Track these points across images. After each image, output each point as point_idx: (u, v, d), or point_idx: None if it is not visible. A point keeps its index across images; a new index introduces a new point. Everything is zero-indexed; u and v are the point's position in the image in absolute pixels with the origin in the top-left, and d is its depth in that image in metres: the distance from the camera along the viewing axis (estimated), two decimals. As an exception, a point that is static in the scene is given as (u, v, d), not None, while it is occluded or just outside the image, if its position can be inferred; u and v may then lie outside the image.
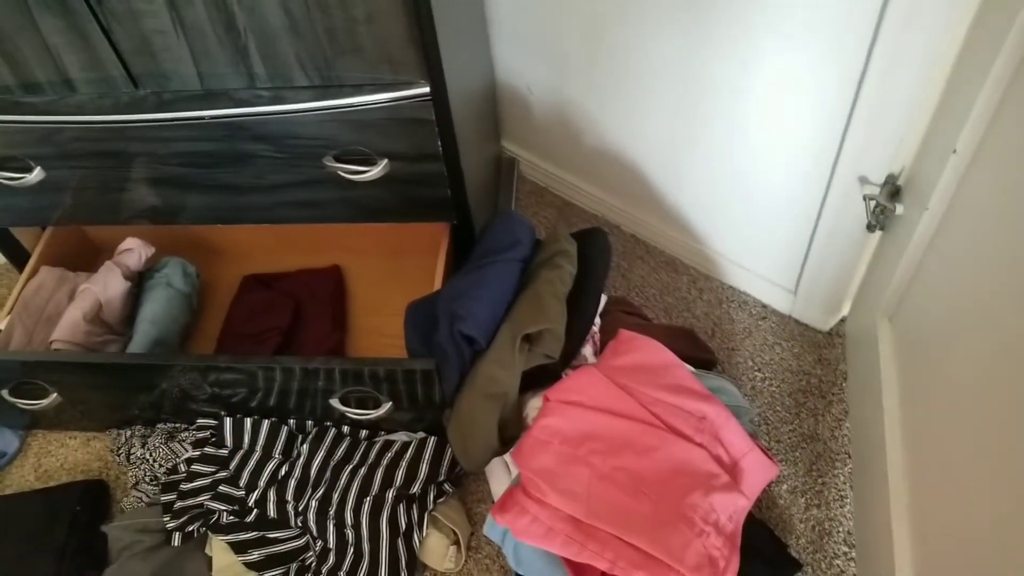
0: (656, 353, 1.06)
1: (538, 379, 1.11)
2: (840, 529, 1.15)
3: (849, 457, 1.22)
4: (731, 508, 0.97)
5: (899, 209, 1.07)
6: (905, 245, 1.05)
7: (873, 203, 1.11)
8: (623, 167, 1.45)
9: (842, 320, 1.38)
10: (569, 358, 1.12)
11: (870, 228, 1.15)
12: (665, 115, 1.28)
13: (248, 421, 1.24)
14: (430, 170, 1.09)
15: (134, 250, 1.36)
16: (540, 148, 1.61)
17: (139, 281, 1.37)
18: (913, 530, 0.95)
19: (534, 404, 1.10)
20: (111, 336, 1.31)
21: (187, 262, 1.40)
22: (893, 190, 1.09)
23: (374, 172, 1.08)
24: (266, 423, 1.24)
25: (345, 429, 1.25)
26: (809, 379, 1.32)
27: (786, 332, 1.39)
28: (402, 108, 1.00)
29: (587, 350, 1.14)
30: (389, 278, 1.46)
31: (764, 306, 1.43)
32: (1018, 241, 0.77)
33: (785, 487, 1.20)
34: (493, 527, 1.01)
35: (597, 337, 1.17)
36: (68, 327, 1.24)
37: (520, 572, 1.02)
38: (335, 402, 1.16)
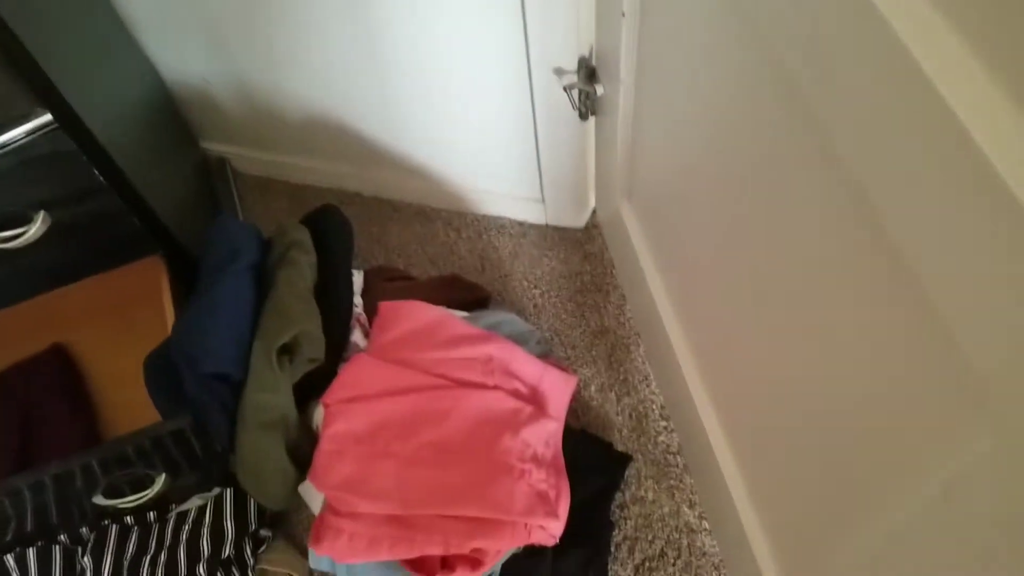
0: (422, 314, 1.00)
1: (318, 384, 1.01)
2: (653, 407, 1.18)
3: (640, 337, 1.25)
4: (544, 435, 0.95)
5: (599, 90, 1.07)
6: (616, 123, 1.05)
7: (576, 91, 1.10)
8: (337, 130, 1.35)
9: (594, 212, 1.40)
10: (339, 352, 1.03)
11: (582, 116, 1.15)
12: (351, 62, 1.19)
13: (10, 558, 1.05)
14: (104, 205, 0.94)
15: None
16: (247, 138, 1.46)
17: None
18: (704, 381, 0.98)
19: (319, 414, 1.01)
20: None
21: None
22: (589, 72, 1.08)
23: (33, 230, 0.90)
24: (31, 552, 1.05)
25: (128, 520, 1.08)
26: (582, 278, 1.33)
27: (548, 241, 1.39)
28: (29, 147, 0.83)
29: (356, 336, 1.06)
30: (123, 338, 1.26)
31: (521, 223, 1.41)
32: (692, 87, 0.77)
33: (594, 387, 1.21)
34: (316, 559, 0.92)
35: (363, 318, 1.09)
36: None
37: (365, 588, 0.94)
38: (99, 499, 1.00)
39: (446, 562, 0.87)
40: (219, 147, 1.50)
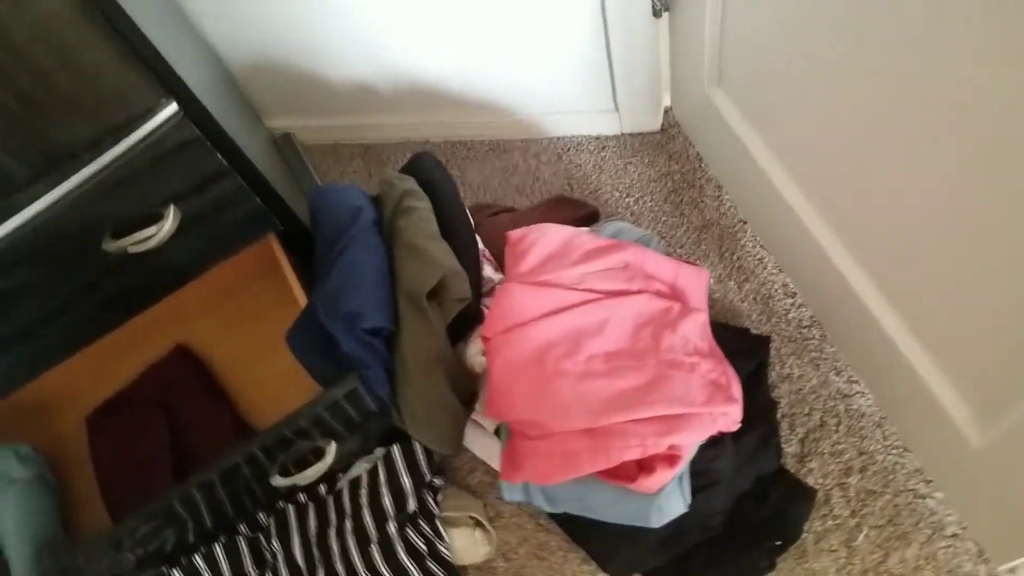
0: (553, 235, 1.00)
1: (461, 324, 1.02)
2: (776, 287, 1.19)
3: (745, 223, 1.24)
4: (698, 328, 0.96)
5: (678, -20, 1.05)
6: (702, 12, 1.03)
7: (651, -14, 1.07)
8: (393, 79, 1.33)
9: (666, 112, 1.38)
10: (477, 288, 1.03)
11: (656, 13, 1.13)
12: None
13: (199, 558, 1.06)
14: (227, 188, 0.93)
15: (-60, 470, 1.09)
16: (304, 108, 1.44)
17: (-26, 497, 1.11)
18: (841, 238, 0.99)
19: (473, 351, 1.02)
20: (-18, 575, 1.07)
21: (16, 445, 1.15)
22: (663, -36, 1.06)
23: (167, 226, 0.90)
24: (218, 548, 1.07)
25: (302, 498, 1.11)
26: (672, 178, 1.32)
27: (629, 149, 1.37)
28: (159, 141, 0.82)
29: (487, 271, 1.06)
30: (243, 322, 1.27)
31: (597, 138, 1.40)
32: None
33: (712, 280, 1.21)
34: (511, 489, 0.94)
35: (487, 253, 1.09)
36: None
37: (560, 510, 0.96)
38: (277, 480, 1.01)
39: (642, 465, 0.89)
40: (282, 123, 1.49)
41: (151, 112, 0.80)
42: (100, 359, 1.25)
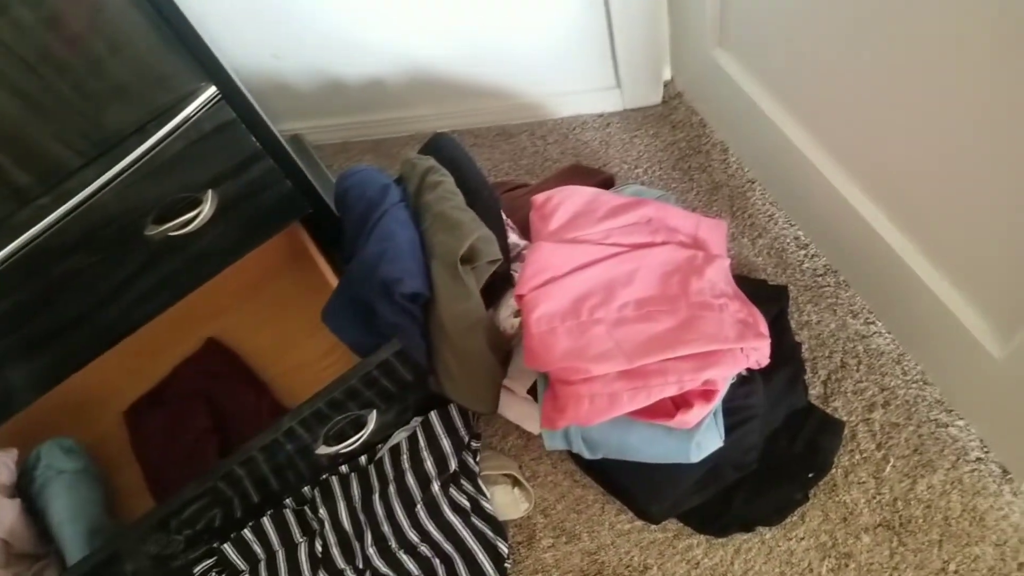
0: (578, 195, 1.04)
1: (491, 290, 1.06)
2: (788, 239, 1.23)
3: (753, 182, 1.29)
4: (723, 273, 1.00)
5: (675, -53, 1.10)
6: (701, -27, 1.08)
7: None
8: (398, 72, 1.37)
9: (666, 84, 1.42)
10: (506, 254, 1.07)
11: (655, -16, 1.17)
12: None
13: (247, 532, 1.10)
14: (261, 170, 0.97)
15: (-6, 467, 1.12)
16: (310, 109, 1.49)
17: (25, 489, 1.14)
18: (860, 184, 1.03)
19: (504, 314, 1.06)
20: (39, 564, 1.10)
21: (60, 439, 1.18)
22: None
23: (206, 210, 0.94)
24: (266, 520, 1.11)
25: (344, 469, 1.14)
26: (678, 146, 1.37)
27: (633, 124, 1.42)
28: (199, 123, 0.86)
29: (513, 238, 1.10)
30: (271, 313, 1.31)
31: (600, 115, 1.45)
32: None
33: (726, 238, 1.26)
34: (553, 437, 0.97)
35: (510, 222, 1.13)
36: (-11, 588, 1.02)
37: (599, 456, 1.00)
38: (322, 449, 1.05)
39: (678, 403, 0.92)
40: (290, 126, 1.53)
41: (193, 95, 0.84)
42: (132, 357, 1.27)
